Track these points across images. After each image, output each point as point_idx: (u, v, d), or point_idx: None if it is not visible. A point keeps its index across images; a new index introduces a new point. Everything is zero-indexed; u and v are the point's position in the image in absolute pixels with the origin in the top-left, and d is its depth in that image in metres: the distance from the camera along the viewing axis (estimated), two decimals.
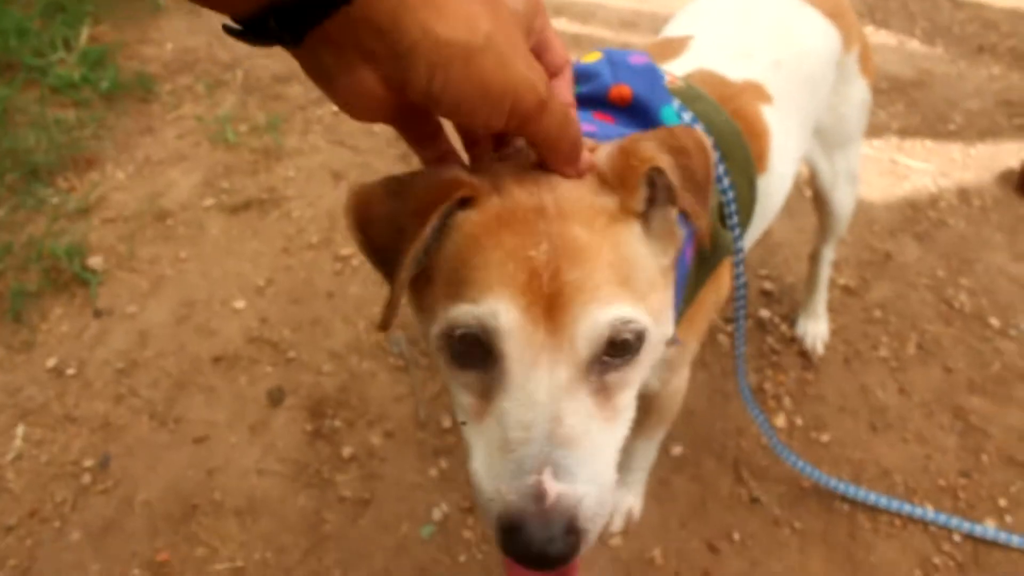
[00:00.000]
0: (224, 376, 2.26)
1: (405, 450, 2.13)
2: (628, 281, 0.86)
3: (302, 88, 3.24)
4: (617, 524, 1.98)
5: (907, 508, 2.01)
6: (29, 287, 2.42)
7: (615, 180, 0.89)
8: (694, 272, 1.24)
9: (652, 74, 1.20)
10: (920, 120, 3.42)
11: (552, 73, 0.85)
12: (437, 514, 2.00)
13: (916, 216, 2.90)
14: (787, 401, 2.30)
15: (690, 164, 0.89)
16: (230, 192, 2.77)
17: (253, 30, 0.65)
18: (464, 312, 0.84)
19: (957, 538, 1.99)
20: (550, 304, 0.82)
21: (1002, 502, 2.06)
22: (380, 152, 2.98)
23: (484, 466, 0.86)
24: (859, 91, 1.93)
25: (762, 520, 2.02)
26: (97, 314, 2.38)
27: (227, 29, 0.67)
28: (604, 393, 0.86)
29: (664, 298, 0.94)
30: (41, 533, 1.95)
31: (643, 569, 1.93)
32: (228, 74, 3.29)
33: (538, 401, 0.82)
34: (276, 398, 2.22)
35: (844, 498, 2.04)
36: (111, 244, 2.57)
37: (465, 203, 0.87)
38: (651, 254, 0.92)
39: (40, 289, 2.43)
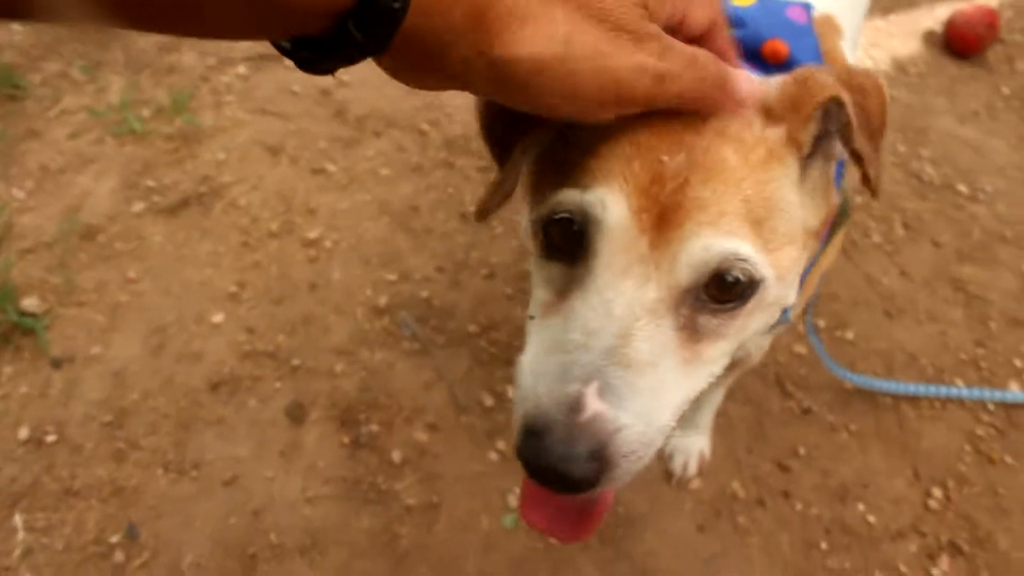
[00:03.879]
0: (229, 403, 2.03)
1: (456, 440, 2.00)
2: (761, 224, 0.78)
3: (196, 55, 2.85)
4: (692, 468, 1.96)
5: (943, 391, 2.10)
6: None
7: (784, 108, 0.81)
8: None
9: (807, 34, 1.09)
10: None
11: (695, 38, 0.79)
12: (513, 500, 1.91)
13: None
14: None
15: (867, 106, 0.82)
16: (159, 191, 2.43)
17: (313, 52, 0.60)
18: (571, 196, 0.78)
19: (991, 407, 2.10)
20: (664, 215, 0.74)
21: (1018, 363, 2.20)
22: (311, 114, 2.69)
23: (531, 363, 0.80)
24: None
25: (819, 429, 2.06)
26: (56, 364, 2.06)
27: (281, 49, 0.62)
28: (693, 334, 0.79)
29: (797, 260, 0.85)
30: None
31: (728, 504, 1.94)
32: (104, 52, 2.83)
33: (612, 313, 0.75)
34: (297, 415, 2.02)
35: (886, 393, 2.10)
36: (42, 278, 2.21)
37: None
38: (799, 206, 0.84)
39: None
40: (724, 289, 0.76)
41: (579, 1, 0.64)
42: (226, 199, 2.43)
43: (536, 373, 0.77)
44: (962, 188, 2.58)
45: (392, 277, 2.27)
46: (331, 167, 2.53)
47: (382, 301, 2.22)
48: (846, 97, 0.78)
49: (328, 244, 2.35)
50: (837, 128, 0.83)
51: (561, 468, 0.70)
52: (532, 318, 0.85)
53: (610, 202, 0.75)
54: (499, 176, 0.89)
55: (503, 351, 2.13)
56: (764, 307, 0.83)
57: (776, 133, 0.80)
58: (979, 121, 2.82)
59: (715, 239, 0.74)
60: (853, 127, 0.78)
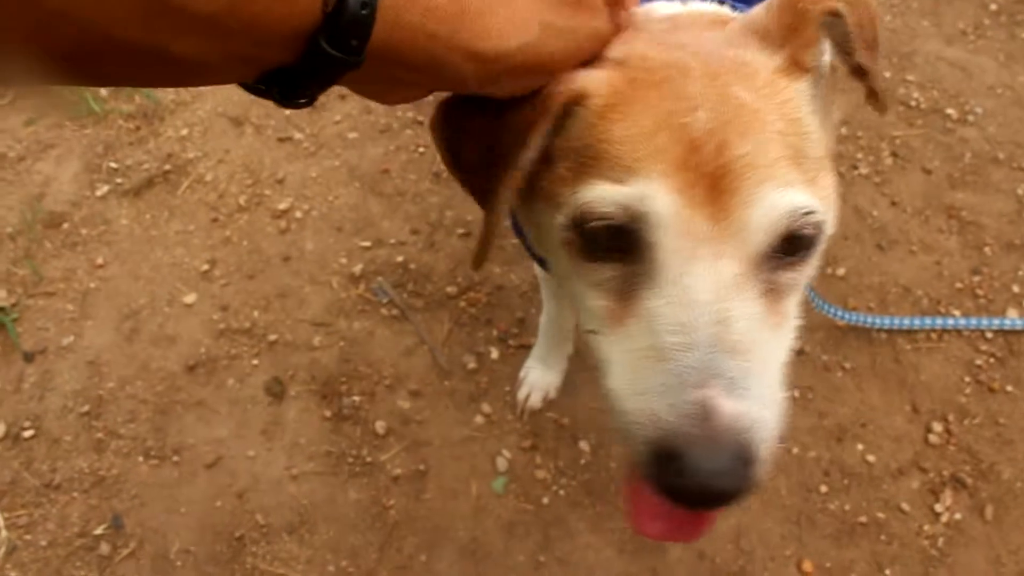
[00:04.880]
0: (207, 384, 1.98)
1: (440, 406, 1.95)
2: (800, 157, 0.73)
3: None
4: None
5: (939, 322, 2.04)
6: None
7: (781, 32, 0.76)
8: None
9: None
10: None
11: None
12: (502, 463, 1.87)
13: None
14: None
15: (860, 18, 0.77)
16: (123, 172, 2.35)
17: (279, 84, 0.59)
18: (604, 194, 0.70)
19: (990, 335, 2.04)
20: (713, 185, 0.68)
21: (1016, 288, 2.13)
22: None
23: (627, 381, 0.72)
24: None
25: (813, 369, 2.01)
26: (28, 357, 2.01)
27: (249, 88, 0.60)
28: (774, 295, 0.73)
29: (833, 186, 0.81)
30: None
31: None
32: None
33: (698, 300, 0.69)
34: (276, 391, 1.97)
35: (880, 328, 2.04)
36: (7, 270, 2.15)
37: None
38: (820, 127, 0.78)
39: None
40: (795, 242, 0.72)
41: None
42: (192, 175, 2.36)
43: (640, 392, 0.70)
44: (951, 111, 2.48)
45: (366, 243, 2.20)
46: (297, 134, 2.45)
47: (357, 268, 2.15)
48: (843, 7, 0.73)
49: (299, 214, 2.28)
50: (836, 43, 0.78)
51: (714, 485, 0.63)
52: (595, 332, 0.77)
53: (652, 192, 0.68)
54: (489, 218, 0.80)
55: (483, 311, 2.07)
56: (823, 244, 0.79)
57: (778, 58, 0.76)
58: (966, 41, 2.71)
59: (778, 195, 0.69)
60: (854, 39, 0.74)
